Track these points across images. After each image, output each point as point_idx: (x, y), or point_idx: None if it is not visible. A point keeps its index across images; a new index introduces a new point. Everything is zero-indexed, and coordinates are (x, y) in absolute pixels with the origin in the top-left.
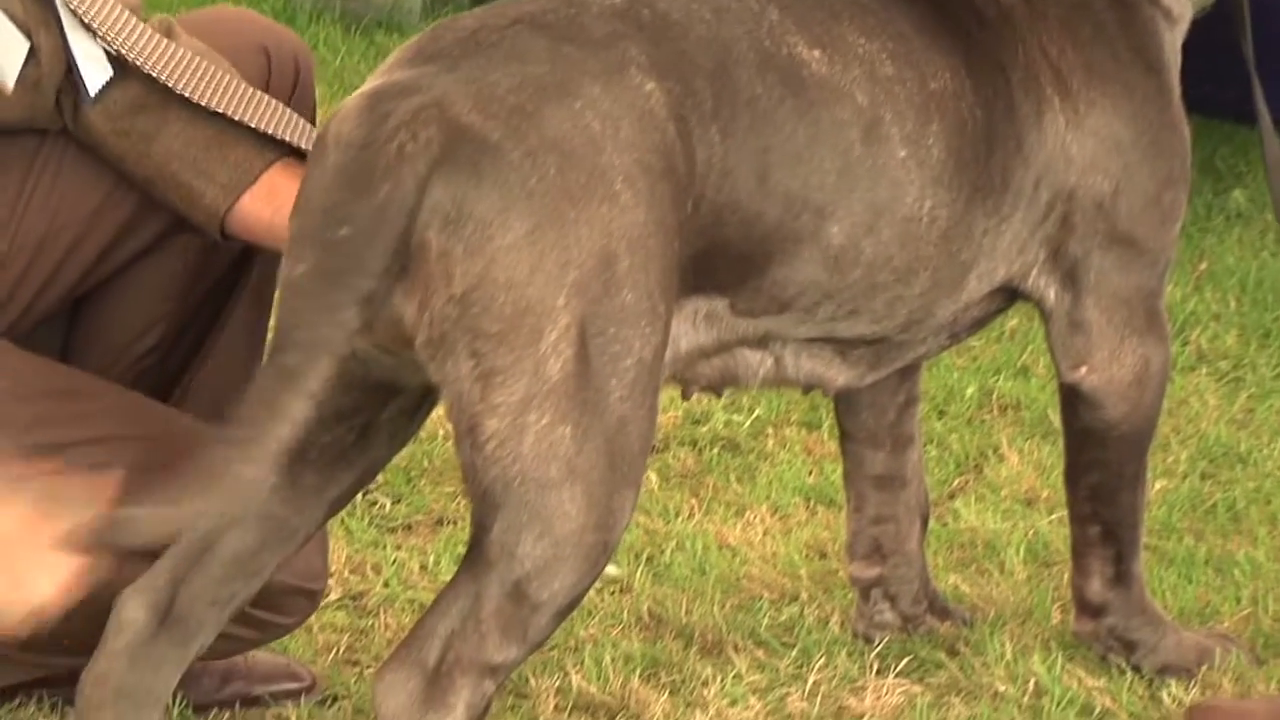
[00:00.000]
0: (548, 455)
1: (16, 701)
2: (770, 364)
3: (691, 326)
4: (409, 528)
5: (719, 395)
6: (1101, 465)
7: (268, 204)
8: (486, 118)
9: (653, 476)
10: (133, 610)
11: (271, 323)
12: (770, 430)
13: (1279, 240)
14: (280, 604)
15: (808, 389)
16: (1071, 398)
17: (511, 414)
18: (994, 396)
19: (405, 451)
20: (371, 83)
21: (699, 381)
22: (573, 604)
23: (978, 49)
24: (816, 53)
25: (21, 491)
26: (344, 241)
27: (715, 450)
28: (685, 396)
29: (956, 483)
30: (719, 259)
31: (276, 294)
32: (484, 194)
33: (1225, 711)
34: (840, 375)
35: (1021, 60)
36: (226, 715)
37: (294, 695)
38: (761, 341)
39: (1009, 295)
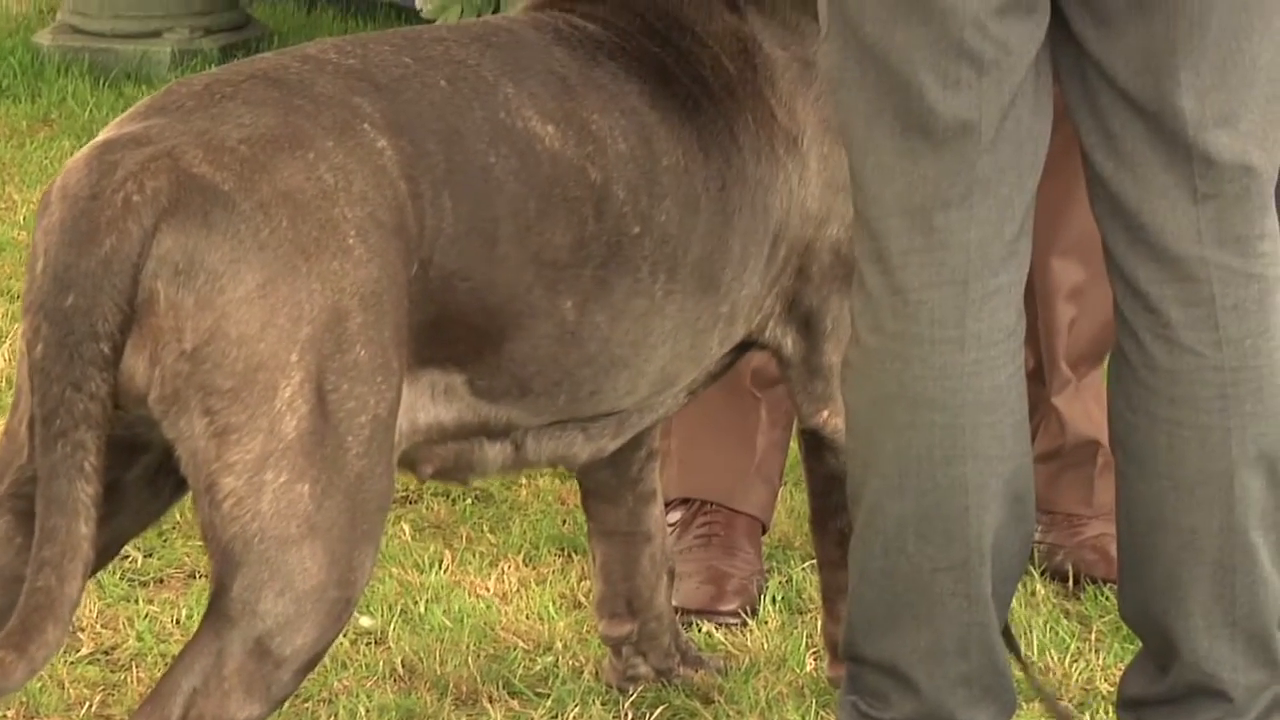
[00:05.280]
0: (286, 513)
1: None
2: (510, 451)
3: (430, 400)
4: (161, 581)
5: (454, 482)
6: (848, 509)
7: None
8: (217, 168)
9: (406, 528)
10: None
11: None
12: (523, 480)
13: None
14: None
15: (551, 468)
16: (814, 443)
17: (248, 472)
18: None
19: None
20: (102, 135)
21: (433, 462)
22: (315, 660)
23: (709, 122)
24: (550, 128)
25: None
26: (73, 310)
27: (468, 501)
28: (420, 478)
29: None
30: (453, 329)
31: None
32: (215, 245)
33: None
34: (583, 451)
35: (752, 127)
36: None
37: None
38: (503, 431)
39: (746, 345)
